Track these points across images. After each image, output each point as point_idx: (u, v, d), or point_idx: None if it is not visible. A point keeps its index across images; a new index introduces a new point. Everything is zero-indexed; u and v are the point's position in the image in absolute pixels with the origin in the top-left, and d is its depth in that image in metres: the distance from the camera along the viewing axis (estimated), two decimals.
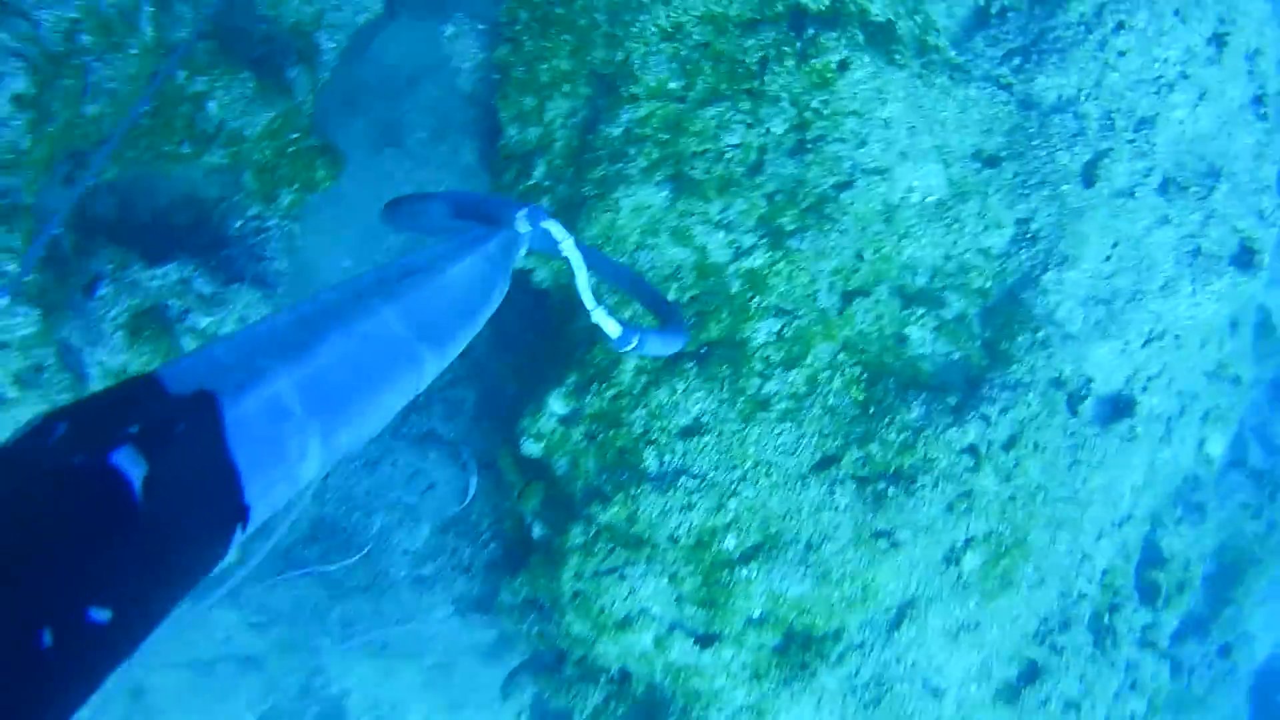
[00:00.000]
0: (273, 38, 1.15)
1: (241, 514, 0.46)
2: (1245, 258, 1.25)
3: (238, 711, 1.04)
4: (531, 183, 1.07)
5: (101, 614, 0.36)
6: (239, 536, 0.46)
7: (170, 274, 0.96)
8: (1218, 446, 1.59)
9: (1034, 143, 1.09)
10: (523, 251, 0.74)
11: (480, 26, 1.13)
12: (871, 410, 0.95)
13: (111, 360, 0.97)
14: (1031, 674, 1.27)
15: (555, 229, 0.68)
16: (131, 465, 0.39)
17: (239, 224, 1.00)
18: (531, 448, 0.99)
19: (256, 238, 1.00)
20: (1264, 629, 2.08)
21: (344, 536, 1.02)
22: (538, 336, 1.10)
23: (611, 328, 0.66)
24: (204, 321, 0.94)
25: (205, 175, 1.01)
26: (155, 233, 1.04)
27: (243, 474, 0.45)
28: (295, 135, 1.09)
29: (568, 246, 0.68)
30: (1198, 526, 1.59)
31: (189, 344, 0.94)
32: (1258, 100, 1.32)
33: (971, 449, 1.00)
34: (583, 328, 1.04)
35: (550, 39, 1.05)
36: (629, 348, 0.68)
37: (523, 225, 0.69)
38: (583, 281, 0.68)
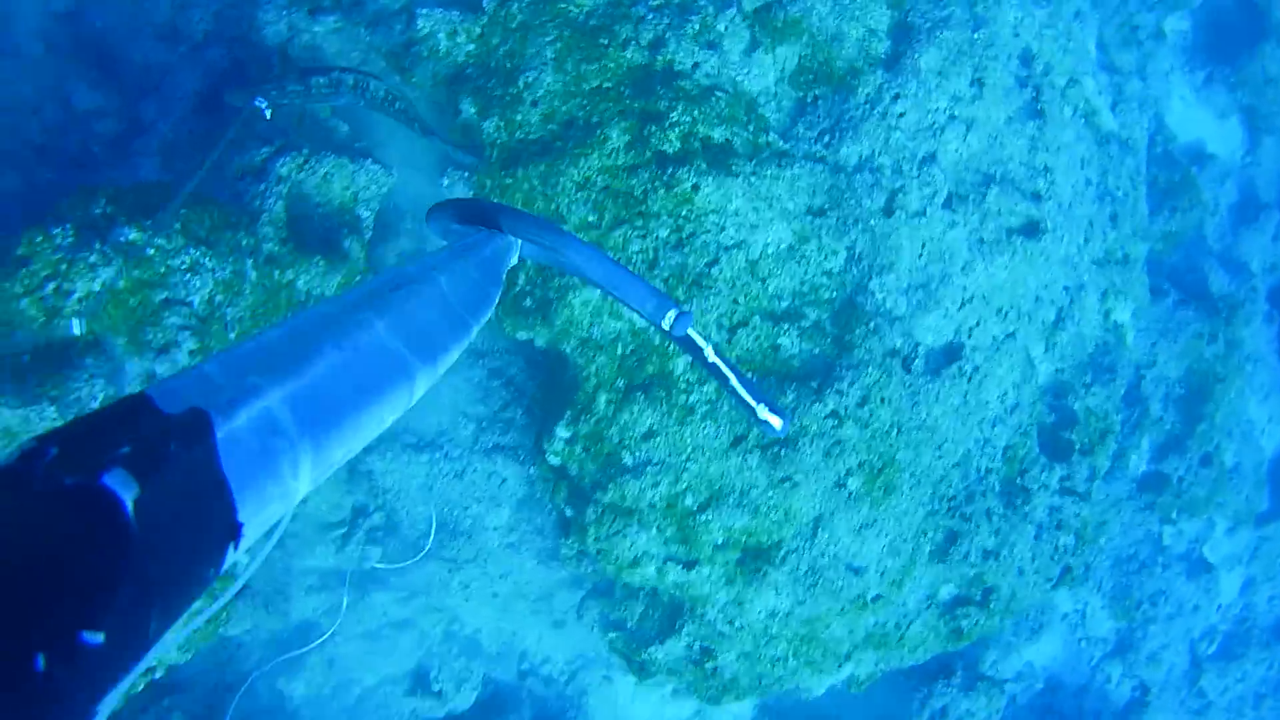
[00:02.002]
0: (328, 216, 1.81)
1: (234, 532, 0.48)
2: (1030, 228, 1.80)
3: (402, 659, 1.82)
4: (516, 289, 1.72)
5: (94, 637, 0.38)
6: (231, 554, 0.49)
7: None
8: (1125, 313, 2.13)
9: (845, 194, 1.66)
10: (513, 259, 0.86)
11: (466, 175, 1.77)
12: None
13: None
14: (949, 540, 1.87)
15: (696, 337, 0.86)
16: (123, 486, 0.42)
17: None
18: (552, 459, 1.67)
19: None
20: (1271, 424, 2.49)
21: (453, 526, 1.75)
22: (543, 385, 1.78)
23: (776, 422, 0.85)
24: None
25: None
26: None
27: (235, 492, 0.48)
28: (358, 278, 1.74)
29: (710, 353, 0.87)
30: (1109, 385, 2.11)
31: None
32: (1031, 104, 1.83)
33: (833, 413, 1.61)
34: (569, 378, 1.71)
35: (508, 197, 1.69)
36: (784, 429, 0.85)
37: (667, 323, 0.85)
38: (736, 384, 0.85)
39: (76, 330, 1.49)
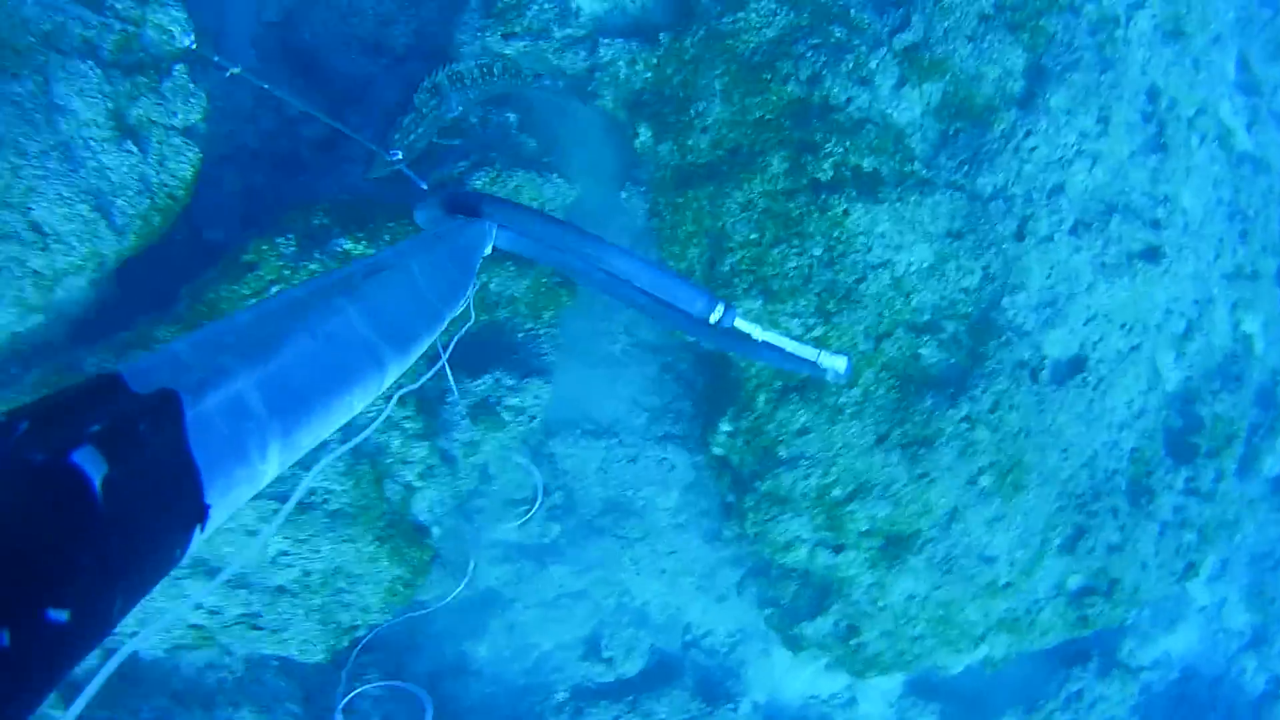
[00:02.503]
0: None
1: (202, 514, 0.67)
2: (1150, 253, 2.69)
3: (577, 627, 2.72)
4: None
5: (60, 614, 0.52)
6: (199, 537, 0.68)
7: (487, 380, 2.50)
8: (1254, 324, 3.03)
9: (981, 220, 2.54)
10: (487, 251, 1.18)
11: (642, 189, 2.66)
12: (902, 404, 2.44)
13: (463, 438, 2.54)
14: (1076, 534, 2.74)
15: (744, 324, 1.52)
16: (92, 465, 0.57)
17: (521, 336, 2.53)
18: (716, 450, 2.57)
19: (534, 343, 2.56)
20: None
21: (626, 507, 2.65)
22: (710, 382, 2.68)
23: (840, 362, 1.56)
24: (513, 400, 2.48)
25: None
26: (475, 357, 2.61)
27: (203, 473, 0.67)
28: (544, 280, 2.61)
29: (758, 333, 1.54)
30: (1236, 391, 3.01)
31: (508, 418, 2.48)
32: (1155, 139, 2.71)
33: (967, 417, 2.47)
34: (732, 378, 2.61)
35: (680, 214, 2.58)
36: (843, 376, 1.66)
37: (715, 316, 1.46)
38: (793, 346, 1.58)
39: None
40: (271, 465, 0.83)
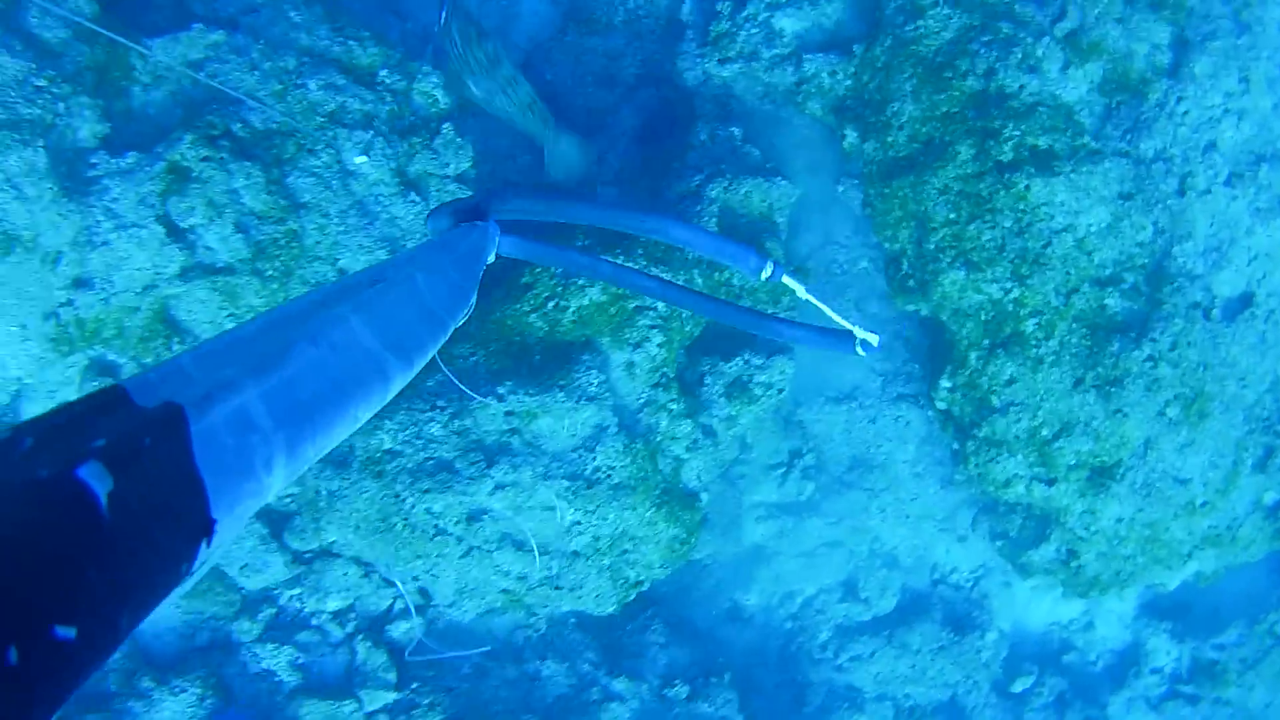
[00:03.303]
0: (751, 223, 5.03)
1: (207, 528, 1.23)
2: None
3: (835, 573, 5.17)
4: (902, 272, 4.99)
5: (67, 631, 0.90)
6: (204, 551, 1.25)
7: (738, 361, 4.79)
8: None
9: (1146, 181, 4.89)
10: (490, 258, 2.47)
11: (855, 182, 5.06)
12: (1093, 350, 4.78)
13: (721, 413, 4.83)
14: (1267, 454, 5.13)
15: (790, 281, 3.13)
16: (97, 480, 1.03)
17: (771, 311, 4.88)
18: (940, 405, 4.97)
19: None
20: None
21: (869, 462, 5.07)
22: (931, 345, 5.09)
23: (873, 339, 3.26)
24: (762, 377, 4.77)
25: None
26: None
27: (209, 487, 1.24)
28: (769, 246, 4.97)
29: (802, 292, 3.20)
30: None
31: (759, 393, 4.78)
32: None
33: (1150, 357, 4.80)
34: (946, 340, 5.03)
35: (888, 202, 4.97)
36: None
37: (766, 274, 3.05)
38: (831, 314, 3.31)
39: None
40: (277, 478, 1.43)
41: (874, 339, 3.36)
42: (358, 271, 2.63)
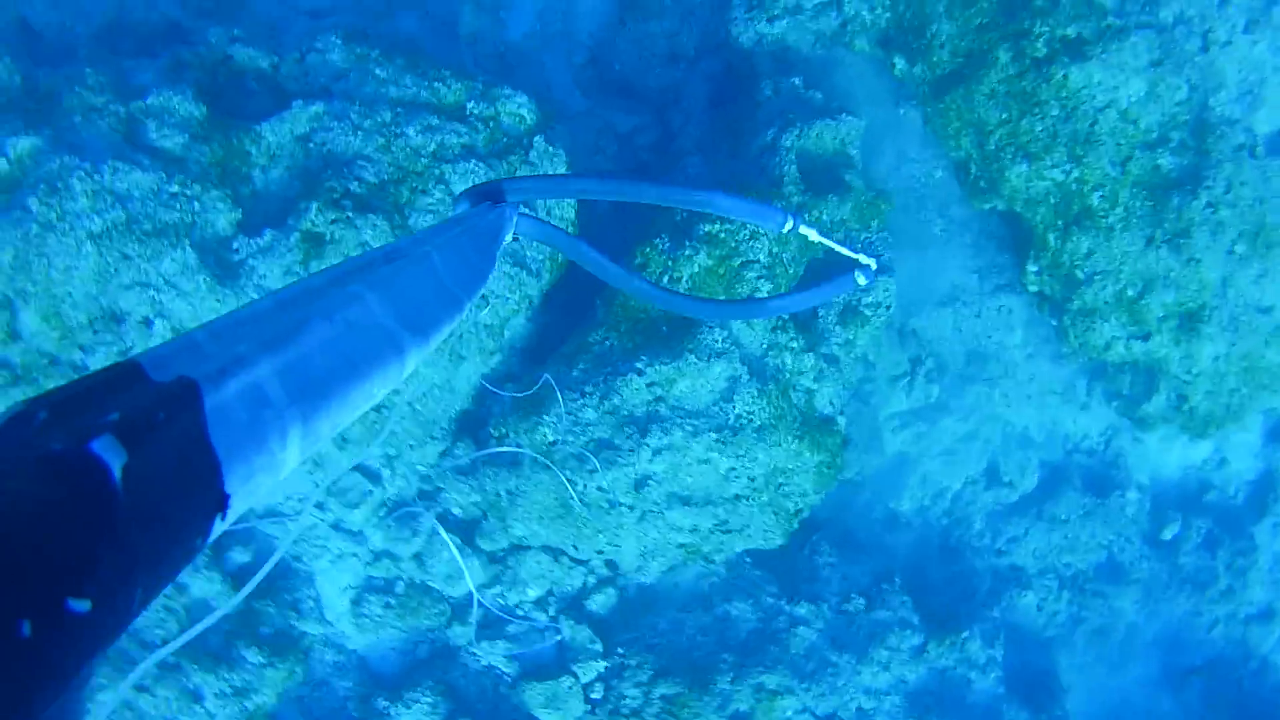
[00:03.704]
0: (829, 162, 7.08)
1: (221, 503, 1.68)
2: None
3: (975, 463, 7.31)
4: (971, 176, 7.08)
5: (80, 604, 1.27)
6: (218, 525, 1.71)
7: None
8: None
9: (1171, 45, 6.94)
10: (508, 238, 3.42)
11: (913, 103, 7.22)
12: (1157, 209, 6.85)
13: (838, 339, 6.88)
14: None
15: (807, 229, 4.28)
16: (111, 453, 1.43)
17: (859, 246, 6.94)
18: (1031, 288, 7.16)
19: (870, 248, 6.97)
20: None
21: (984, 354, 7.22)
22: (1012, 235, 7.23)
23: (872, 263, 4.76)
24: (868, 298, 6.81)
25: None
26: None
27: (223, 462, 1.69)
28: (864, 197, 6.98)
29: (814, 235, 4.39)
30: None
31: (869, 314, 6.80)
32: None
33: (1209, 203, 6.86)
34: (1025, 228, 7.13)
35: (945, 115, 7.08)
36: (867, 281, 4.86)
37: (788, 227, 4.16)
38: (838, 247, 4.65)
39: None
40: (291, 453, 1.92)
41: (871, 262, 4.77)
42: (374, 249, 3.28)
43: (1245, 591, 8.02)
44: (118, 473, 1.57)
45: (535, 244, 6.91)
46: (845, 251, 4.69)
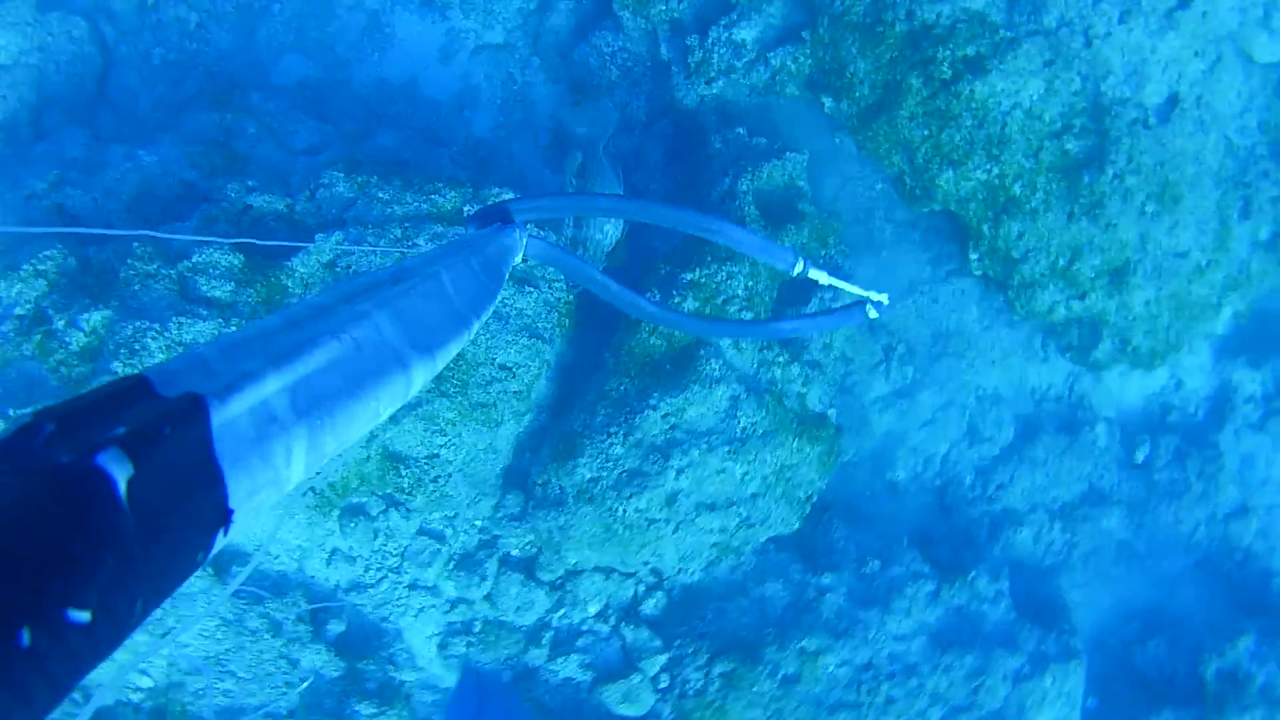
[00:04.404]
0: (781, 195, 8.82)
1: (225, 518, 2.13)
2: (1182, 4, 8.79)
3: (956, 428, 9.26)
4: (907, 187, 8.83)
5: (81, 615, 1.60)
6: (221, 540, 2.16)
7: (815, 301, 8.61)
8: None
9: (1059, 45, 8.72)
10: (517, 260, 4.11)
11: (845, 133, 9.03)
12: (1071, 187, 8.72)
13: (817, 346, 8.65)
14: (1246, 203, 9.08)
15: (816, 272, 4.96)
16: (117, 467, 1.80)
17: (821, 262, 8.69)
18: (976, 272, 9.02)
19: (831, 263, 8.78)
20: None
21: (946, 331, 9.08)
22: (954, 229, 9.04)
23: (883, 298, 5.27)
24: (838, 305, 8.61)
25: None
26: None
27: (228, 478, 2.13)
28: (819, 220, 8.75)
29: (824, 277, 5.01)
30: None
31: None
32: None
33: (1116, 175, 8.73)
34: (963, 222, 8.91)
35: (875, 140, 8.83)
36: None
37: (799, 267, 4.87)
38: (845, 284, 5.16)
39: None
40: (296, 470, 2.21)
41: (884, 298, 5.24)
42: (382, 268, 3.45)
43: (1219, 494, 9.87)
44: (123, 486, 1.81)
45: (545, 313, 8.59)
46: (858, 290, 5.21)
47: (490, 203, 5.92)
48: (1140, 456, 9.76)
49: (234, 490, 2.22)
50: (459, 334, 3.40)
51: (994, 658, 8.91)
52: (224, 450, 2.20)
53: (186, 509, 2.09)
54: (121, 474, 1.85)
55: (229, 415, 2.25)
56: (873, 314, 5.44)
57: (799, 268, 4.91)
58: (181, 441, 2.08)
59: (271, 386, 2.40)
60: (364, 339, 2.79)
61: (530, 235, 4.37)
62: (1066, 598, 9.54)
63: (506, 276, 4.09)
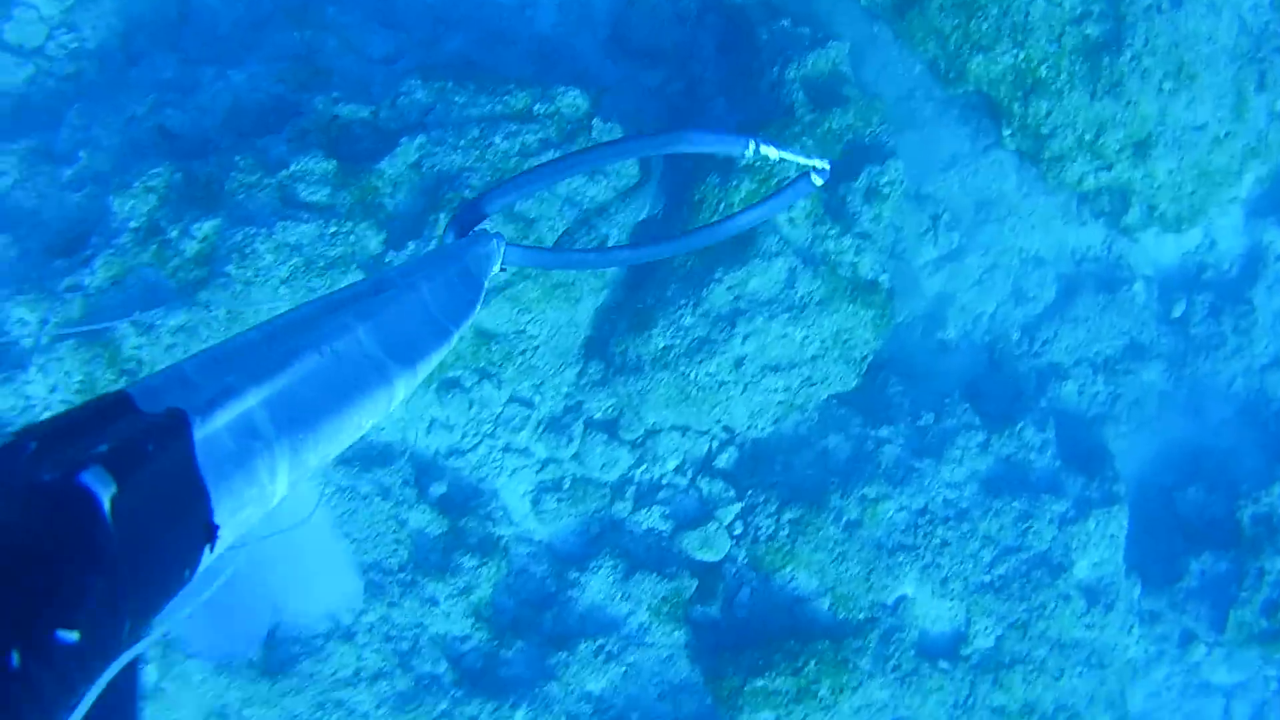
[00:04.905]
0: (826, 80, 11.93)
1: (210, 533, 2.91)
2: None
3: (1001, 288, 11.96)
4: (941, 71, 12.07)
5: (69, 635, 2.09)
6: (207, 556, 2.95)
7: (864, 176, 11.67)
8: None
9: None
10: (496, 268, 5.18)
11: (883, 22, 12.27)
12: (1093, 69, 11.65)
13: (867, 217, 11.81)
14: (1261, 75, 12.16)
15: (765, 148, 6.52)
16: (101, 485, 2.41)
17: (868, 140, 11.79)
18: (1009, 147, 12.12)
19: (876, 139, 11.89)
20: None
21: (987, 200, 12.38)
22: (990, 102, 12.29)
23: (824, 164, 7.07)
24: (884, 178, 11.63)
25: None
26: None
27: (212, 493, 2.92)
28: (863, 100, 11.91)
29: (771, 151, 6.57)
30: None
31: (888, 191, 11.62)
32: None
33: (1134, 55, 11.58)
34: (994, 102, 12.19)
35: (910, 28, 12.02)
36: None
37: (751, 150, 6.38)
38: (789, 154, 6.79)
39: None
40: (280, 484, 2.98)
41: (825, 164, 6.45)
42: (362, 279, 3.77)
43: (1253, 346, 12.49)
44: (107, 504, 2.17)
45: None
46: (801, 159, 6.38)
47: (465, 198, 7.43)
48: (1177, 312, 12.39)
49: (219, 505, 2.64)
50: (439, 345, 3.97)
51: (1041, 503, 11.29)
52: (208, 466, 2.64)
53: (172, 525, 2.50)
54: (105, 492, 2.24)
55: (211, 430, 2.70)
56: (818, 181, 6.63)
57: (752, 149, 6.09)
58: (165, 458, 2.48)
59: (253, 401, 2.89)
60: (345, 351, 3.34)
61: (508, 244, 4.98)
62: (1110, 447, 12.02)
63: (486, 286, 4.67)
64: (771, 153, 6.33)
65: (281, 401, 3.10)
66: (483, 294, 4.71)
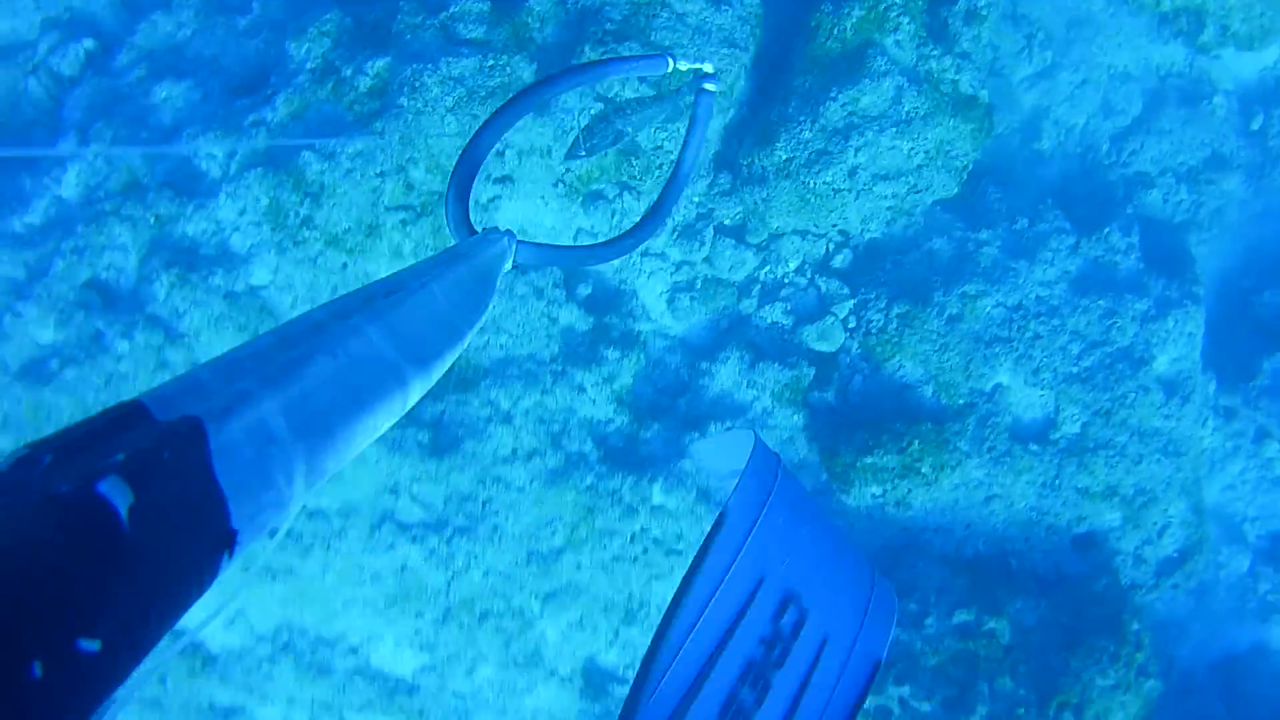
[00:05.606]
0: None
1: (229, 540, 2.60)
2: None
3: (1091, 103, 13.22)
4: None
5: (90, 644, 2.02)
6: (226, 563, 2.63)
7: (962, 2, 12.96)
8: None
9: None
10: (507, 266, 4.73)
11: None
12: None
13: (967, 37, 13.03)
14: None
15: (683, 64, 6.39)
16: (118, 494, 2.27)
17: None
18: None
19: None
20: None
21: (1079, 20, 13.55)
22: None
23: (709, 68, 6.42)
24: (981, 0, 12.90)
25: None
26: None
27: (230, 500, 2.64)
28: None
29: (683, 64, 6.44)
30: None
31: (986, 12, 12.86)
32: None
33: None
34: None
35: None
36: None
37: (670, 66, 6.18)
38: (688, 64, 6.47)
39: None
40: (297, 489, 2.72)
41: (709, 68, 6.25)
42: (374, 281, 3.89)
43: None
44: (124, 513, 2.19)
45: (745, 26, 12.92)
46: (695, 66, 6.40)
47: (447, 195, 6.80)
48: (1256, 125, 13.41)
49: (236, 512, 2.68)
50: (453, 345, 3.90)
51: (1124, 301, 11.72)
52: (224, 472, 2.66)
53: (190, 533, 2.56)
54: (123, 501, 2.29)
55: (228, 437, 2.72)
56: (710, 87, 6.57)
57: (670, 65, 6.21)
58: (181, 465, 2.55)
59: (269, 406, 2.90)
60: (358, 354, 3.31)
61: (520, 241, 4.87)
62: (1192, 251, 12.98)
63: (498, 285, 4.56)
64: (683, 65, 6.52)
65: (297, 406, 3.08)
66: (495, 293, 4.58)
